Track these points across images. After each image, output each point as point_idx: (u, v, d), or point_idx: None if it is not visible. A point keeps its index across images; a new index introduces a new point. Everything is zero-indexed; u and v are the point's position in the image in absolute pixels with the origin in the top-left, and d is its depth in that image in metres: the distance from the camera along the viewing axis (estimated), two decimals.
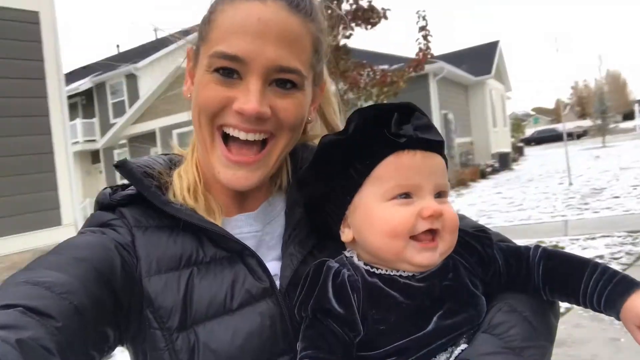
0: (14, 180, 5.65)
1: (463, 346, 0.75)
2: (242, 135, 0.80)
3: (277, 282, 0.82)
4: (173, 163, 0.95)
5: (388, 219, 0.74)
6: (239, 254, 0.82)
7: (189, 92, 0.88)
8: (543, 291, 0.80)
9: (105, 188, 0.90)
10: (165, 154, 0.99)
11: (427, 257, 0.74)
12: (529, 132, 53.34)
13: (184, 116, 0.93)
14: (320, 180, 0.82)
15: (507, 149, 26.15)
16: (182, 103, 0.89)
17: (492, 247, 0.82)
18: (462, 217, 0.93)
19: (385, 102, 4.68)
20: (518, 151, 30.80)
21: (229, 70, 0.79)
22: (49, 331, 0.60)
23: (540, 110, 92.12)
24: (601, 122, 33.24)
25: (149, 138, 19.24)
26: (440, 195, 0.78)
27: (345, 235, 0.82)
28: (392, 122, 0.76)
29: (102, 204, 0.87)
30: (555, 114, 73.94)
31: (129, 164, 0.85)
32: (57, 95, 6.16)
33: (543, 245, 0.85)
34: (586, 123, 50.50)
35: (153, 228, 0.83)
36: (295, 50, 0.80)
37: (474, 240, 0.83)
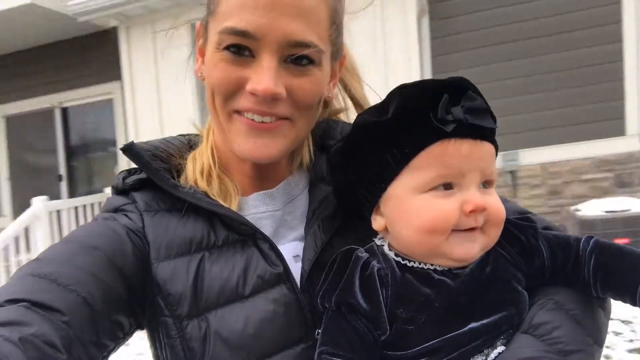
0: (581, 91, 5.93)
1: (500, 348, 0.68)
2: (257, 118, 0.76)
3: (299, 264, 0.78)
4: (191, 145, 0.92)
5: (425, 213, 0.67)
6: (252, 237, 0.78)
7: (199, 70, 0.84)
8: (594, 287, 0.70)
9: (121, 172, 0.88)
10: (184, 135, 0.96)
11: (466, 250, 0.67)
12: None
13: None
14: (353, 165, 0.74)
15: None
16: None
17: (537, 237, 0.73)
18: (504, 201, 0.83)
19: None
20: None
21: (240, 47, 0.73)
22: (55, 326, 0.60)
23: None
24: None
25: None
26: (486, 184, 0.70)
27: (377, 223, 0.74)
28: (440, 104, 0.66)
29: (117, 189, 0.86)
30: None
31: (135, 147, 0.82)
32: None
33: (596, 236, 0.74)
34: None
35: (163, 212, 0.81)
36: (311, 23, 0.74)
37: (517, 229, 0.74)
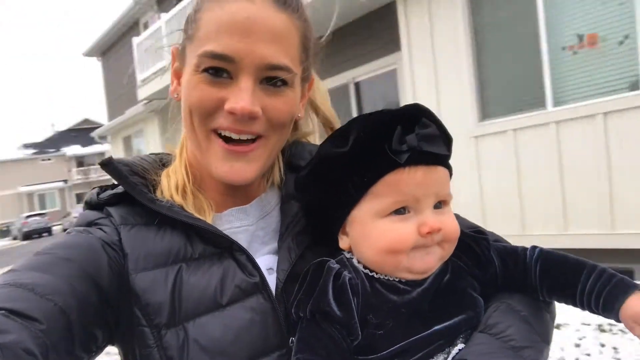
0: None
1: (460, 346, 0.74)
2: (234, 136, 0.80)
3: (274, 276, 0.82)
4: (162, 163, 0.94)
5: (385, 237, 0.73)
6: (228, 249, 0.81)
7: (175, 92, 0.87)
8: (540, 292, 0.79)
9: (94, 188, 0.90)
10: (156, 154, 0.98)
11: (426, 263, 0.74)
12: None
13: None
14: (319, 190, 0.80)
15: None
16: None
17: (490, 248, 0.81)
18: (457, 217, 0.90)
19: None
20: None
21: (219, 70, 0.77)
22: (33, 334, 0.60)
23: None
24: None
25: None
26: (440, 204, 0.76)
27: (343, 242, 0.80)
28: (394, 137, 0.72)
29: (90, 204, 0.87)
30: None
31: (113, 163, 0.84)
32: None
33: (540, 246, 0.82)
34: None
35: (140, 225, 0.82)
36: (284, 47, 0.79)
37: (472, 241, 0.81)
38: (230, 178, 0.81)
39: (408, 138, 0.71)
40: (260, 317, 0.77)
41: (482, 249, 0.81)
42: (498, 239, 0.90)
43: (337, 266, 0.76)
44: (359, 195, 0.75)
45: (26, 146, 50.44)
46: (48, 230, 34.82)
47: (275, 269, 0.83)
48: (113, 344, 0.81)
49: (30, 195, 47.10)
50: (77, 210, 34.45)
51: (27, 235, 33.91)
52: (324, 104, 1.02)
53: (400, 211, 0.73)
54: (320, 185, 0.79)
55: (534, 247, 0.82)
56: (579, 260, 0.78)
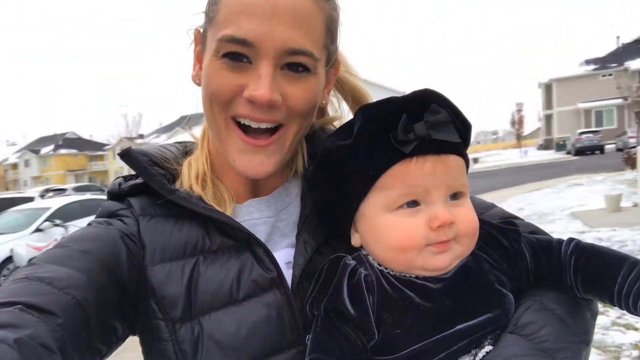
0: None
1: (488, 348, 0.69)
2: (254, 124, 0.77)
3: (290, 271, 0.79)
4: (187, 151, 0.93)
5: (393, 233, 0.69)
6: (247, 242, 0.79)
7: (197, 77, 0.84)
8: (576, 289, 0.72)
9: (117, 177, 0.89)
10: (181, 142, 0.96)
11: (440, 261, 0.69)
12: None
13: None
14: (327, 185, 0.77)
15: None
16: None
17: (520, 241, 0.75)
18: (490, 207, 0.88)
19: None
20: None
21: (238, 55, 0.74)
22: (50, 328, 0.60)
23: None
24: None
25: None
26: (456, 196, 0.71)
27: (355, 239, 0.77)
28: (399, 125, 0.67)
29: (112, 194, 0.87)
30: None
31: (132, 153, 0.83)
32: None
33: (578, 238, 0.74)
34: None
35: (159, 216, 0.81)
36: (307, 31, 0.75)
37: (500, 233, 0.75)
38: (249, 172, 0.79)
39: (416, 126, 0.67)
40: (276, 313, 0.75)
41: (511, 242, 0.75)
42: (535, 231, 0.84)
43: (353, 263, 0.74)
44: (366, 188, 0.71)
45: (587, 62, 50.37)
46: (600, 148, 34.30)
47: (292, 263, 0.80)
48: (135, 334, 0.81)
49: (587, 111, 47.12)
50: (632, 131, 32.04)
51: (579, 151, 34.18)
52: (353, 86, 0.96)
53: (409, 204, 0.69)
54: (328, 180, 0.76)
55: (570, 240, 0.75)
56: (619, 256, 0.71)
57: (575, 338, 0.69)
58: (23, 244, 8.53)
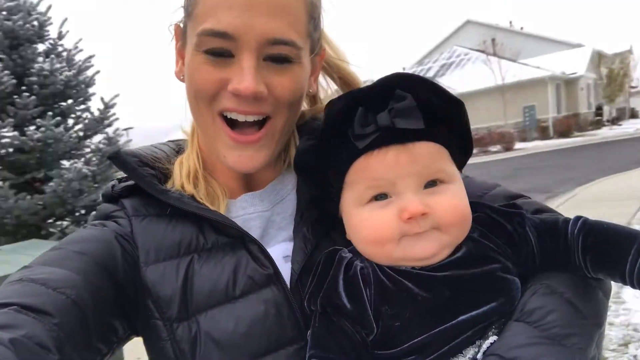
0: None
1: (492, 338, 0.65)
2: (241, 118, 0.76)
3: (288, 265, 0.77)
4: (179, 150, 0.92)
5: (365, 226, 0.68)
6: (241, 239, 0.78)
7: (181, 73, 0.82)
8: (586, 269, 0.68)
9: (112, 180, 0.88)
10: (174, 141, 0.96)
11: (422, 249, 0.66)
12: None
13: None
14: (310, 184, 0.78)
15: None
16: None
17: (524, 225, 0.71)
18: (492, 186, 0.85)
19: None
20: None
21: (220, 50, 0.72)
22: (46, 328, 0.60)
23: None
24: None
25: None
26: (434, 184, 0.67)
27: (347, 234, 0.75)
28: (355, 120, 0.65)
29: (107, 197, 0.87)
30: None
31: (122, 155, 0.82)
32: None
33: (585, 216, 0.71)
34: None
35: (152, 216, 0.81)
36: (289, 20, 0.73)
37: (503, 217, 0.71)
38: (240, 167, 0.78)
39: (379, 116, 0.65)
40: (274, 310, 0.74)
41: (515, 226, 0.71)
42: (540, 209, 0.80)
43: (349, 255, 0.72)
44: (338, 185, 0.71)
45: None
46: None
47: (291, 258, 0.78)
48: (138, 335, 0.80)
49: None
50: None
51: None
52: (341, 69, 0.95)
53: (379, 197, 0.68)
54: (308, 180, 0.77)
55: (577, 218, 0.71)
56: (631, 232, 0.66)
57: (587, 321, 0.65)
58: None
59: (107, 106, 6.75)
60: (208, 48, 0.72)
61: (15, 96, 5.74)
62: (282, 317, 0.74)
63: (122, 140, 6.61)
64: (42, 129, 5.61)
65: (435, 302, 0.65)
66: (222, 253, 0.77)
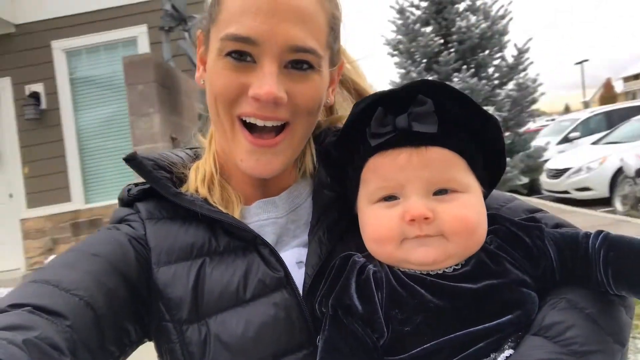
0: None
1: (508, 352, 0.64)
2: (259, 123, 0.77)
3: (301, 270, 0.78)
4: (196, 157, 0.94)
5: (372, 224, 0.71)
6: (253, 243, 0.79)
7: (201, 78, 0.85)
8: (607, 285, 0.67)
9: (128, 184, 0.89)
10: (192, 148, 0.97)
11: (423, 254, 0.66)
12: None
13: None
14: (335, 181, 0.81)
15: None
16: None
17: (543, 238, 0.70)
18: (510, 199, 0.85)
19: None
20: None
21: (242, 54, 0.74)
22: (59, 329, 0.60)
23: None
24: None
25: None
26: (444, 192, 0.68)
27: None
28: (373, 118, 0.68)
29: (123, 201, 0.88)
30: None
31: (138, 158, 0.83)
32: None
33: (606, 230, 0.69)
34: None
35: (165, 219, 0.82)
36: (311, 29, 0.75)
37: (522, 230, 0.71)
38: (257, 172, 0.79)
39: (398, 119, 0.66)
40: (284, 314, 0.73)
41: (534, 240, 0.69)
42: (560, 223, 0.78)
43: (362, 260, 0.72)
44: (355, 182, 0.73)
45: None
46: None
47: (304, 262, 0.78)
48: (150, 339, 0.80)
49: None
50: None
51: None
52: (359, 83, 0.96)
53: (388, 198, 0.69)
54: (334, 175, 0.80)
55: (598, 233, 0.69)
56: None
57: (609, 338, 0.62)
58: (632, 154, 8.07)
59: (521, 52, 6.84)
60: (230, 50, 0.74)
61: (439, 54, 6.66)
62: (292, 322, 0.73)
63: (531, 85, 6.59)
64: (458, 80, 6.33)
65: (447, 311, 0.65)
66: (233, 256, 0.78)
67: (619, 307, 0.67)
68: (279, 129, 0.78)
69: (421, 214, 0.65)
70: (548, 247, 0.69)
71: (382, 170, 0.68)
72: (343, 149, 0.75)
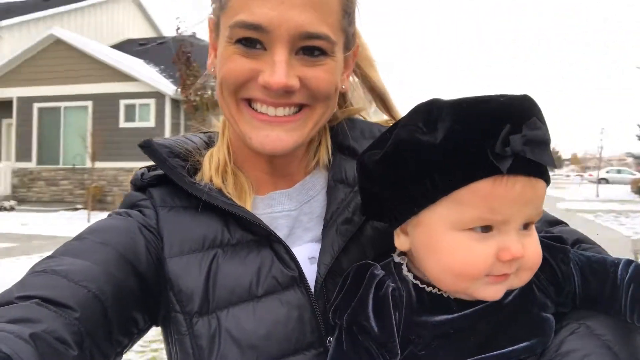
0: None
1: None
2: (271, 111, 0.74)
3: (314, 266, 0.77)
4: (210, 142, 0.91)
5: (457, 255, 0.62)
6: (266, 238, 0.77)
7: (212, 65, 0.82)
8: (630, 318, 0.65)
9: (141, 168, 0.87)
10: (206, 133, 0.95)
11: (494, 293, 0.63)
12: None
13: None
14: (388, 179, 0.67)
15: None
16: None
17: (568, 262, 0.68)
18: None
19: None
20: None
21: (252, 41, 0.71)
22: (67, 322, 0.60)
23: None
24: None
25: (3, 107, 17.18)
26: (527, 225, 0.63)
27: (401, 242, 0.69)
28: (500, 137, 0.57)
29: (135, 185, 0.86)
30: None
31: (153, 144, 0.81)
32: None
33: (636, 261, 0.66)
34: None
35: (178, 208, 0.81)
36: (322, 14, 0.71)
37: (548, 252, 0.67)
38: (267, 148, 0.76)
39: (512, 139, 0.57)
40: (296, 313, 0.73)
41: (559, 263, 0.67)
42: (582, 239, 0.77)
43: (380, 272, 0.69)
44: (436, 196, 0.62)
45: None
46: None
47: (317, 258, 0.78)
48: (157, 325, 0.80)
49: None
50: None
51: None
52: (372, 74, 0.93)
53: (483, 229, 0.61)
54: (392, 174, 0.66)
55: (628, 262, 0.66)
56: None
57: None
58: None
59: None
60: (240, 37, 0.72)
61: None
62: (303, 321, 0.73)
63: None
64: None
65: (466, 336, 0.63)
66: (246, 250, 0.77)
67: (636, 335, 0.66)
68: (296, 112, 0.76)
69: (521, 254, 0.60)
70: (573, 272, 0.67)
71: (493, 198, 0.59)
72: (438, 157, 0.61)
